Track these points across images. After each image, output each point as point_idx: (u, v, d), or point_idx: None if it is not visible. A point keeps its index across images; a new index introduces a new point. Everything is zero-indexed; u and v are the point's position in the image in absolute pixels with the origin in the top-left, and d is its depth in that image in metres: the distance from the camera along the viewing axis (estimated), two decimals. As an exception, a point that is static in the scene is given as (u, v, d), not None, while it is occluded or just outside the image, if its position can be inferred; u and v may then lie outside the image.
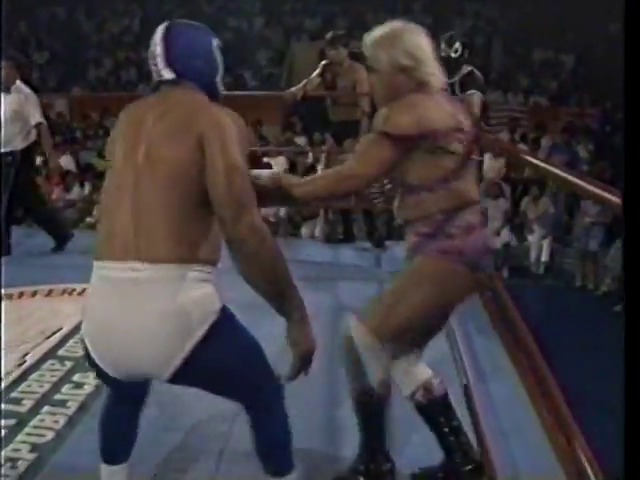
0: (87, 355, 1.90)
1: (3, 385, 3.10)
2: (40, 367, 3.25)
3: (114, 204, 1.84)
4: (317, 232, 6.81)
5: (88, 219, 8.84)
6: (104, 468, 2.11)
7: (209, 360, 1.80)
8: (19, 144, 5.23)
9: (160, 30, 1.92)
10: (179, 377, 1.82)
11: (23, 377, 3.16)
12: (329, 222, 6.61)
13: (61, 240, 5.44)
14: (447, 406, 2.33)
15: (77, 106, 12.58)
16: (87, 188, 9.70)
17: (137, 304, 1.76)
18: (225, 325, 1.83)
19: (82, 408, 2.89)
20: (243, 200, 1.78)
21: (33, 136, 5.31)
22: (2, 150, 5.18)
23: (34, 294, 4.23)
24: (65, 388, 3.06)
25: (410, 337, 2.21)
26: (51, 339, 3.57)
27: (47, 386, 3.07)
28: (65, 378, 3.15)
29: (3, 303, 4.05)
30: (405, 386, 2.32)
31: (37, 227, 5.68)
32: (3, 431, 2.75)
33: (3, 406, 2.93)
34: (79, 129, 12.35)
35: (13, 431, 2.74)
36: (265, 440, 1.99)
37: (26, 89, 5.30)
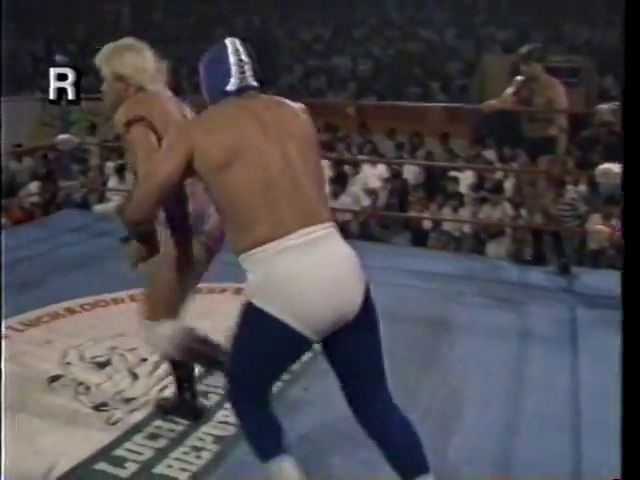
0: (272, 331, 2.00)
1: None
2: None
3: (266, 193, 2.01)
4: (503, 251, 6.57)
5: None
6: (282, 463, 2.10)
7: (367, 307, 2.05)
8: None
9: (239, 43, 2.19)
10: (355, 322, 2.02)
11: (210, 371, 3.28)
12: (517, 241, 6.36)
13: None
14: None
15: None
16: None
17: (330, 253, 2.02)
18: None
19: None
20: None
21: None
22: None
23: (223, 291, 4.40)
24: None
25: (174, 304, 2.73)
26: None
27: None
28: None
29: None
30: None
31: None
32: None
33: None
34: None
35: (198, 422, 2.88)
36: (397, 440, 2.09)
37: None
